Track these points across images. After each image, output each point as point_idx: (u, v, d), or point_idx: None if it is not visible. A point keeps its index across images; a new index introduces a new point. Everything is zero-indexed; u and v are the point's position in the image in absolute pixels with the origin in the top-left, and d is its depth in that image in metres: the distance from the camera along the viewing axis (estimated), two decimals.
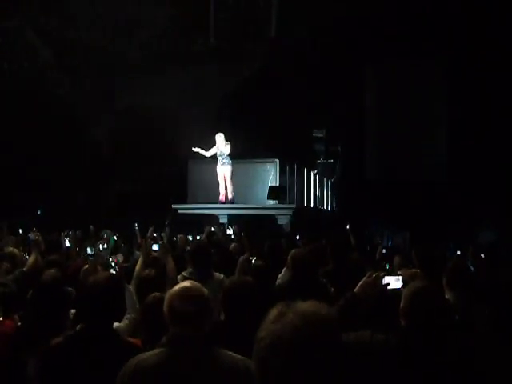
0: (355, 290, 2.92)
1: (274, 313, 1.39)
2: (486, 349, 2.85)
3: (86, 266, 4.93)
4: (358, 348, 2.51)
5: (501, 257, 6.52)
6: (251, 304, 3.22)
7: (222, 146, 12.77)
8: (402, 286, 2.97)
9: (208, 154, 13.01)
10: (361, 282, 2.92)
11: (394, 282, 3.00)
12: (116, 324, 3.71)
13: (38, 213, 15.92)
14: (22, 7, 15.88)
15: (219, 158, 12.87)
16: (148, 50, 16.97)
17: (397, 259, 5.69)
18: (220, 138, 12.83)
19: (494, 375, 2.67)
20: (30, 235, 7.51)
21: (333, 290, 4.44)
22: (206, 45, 17.00)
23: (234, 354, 2.40)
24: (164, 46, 17.06)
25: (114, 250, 6.66)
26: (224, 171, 12.96)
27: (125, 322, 3.78)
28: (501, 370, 2.70)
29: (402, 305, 2.63)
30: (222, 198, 13.21)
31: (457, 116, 16.93)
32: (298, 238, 8.98)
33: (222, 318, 3.26)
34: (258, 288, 4.26)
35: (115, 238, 7.97)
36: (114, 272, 4.51)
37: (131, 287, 4.23)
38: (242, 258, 5.15)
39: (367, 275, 2.96)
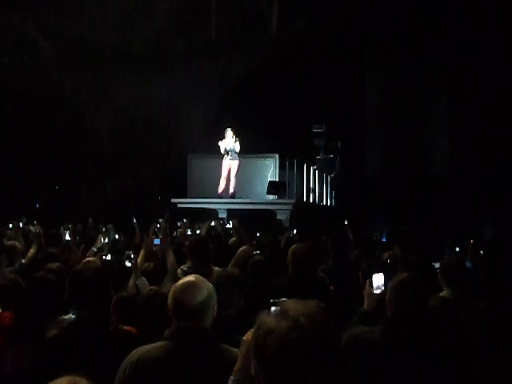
0: (366, 307, 3.07)
1: (271, 317, 1.39)
2: (479, 344, 2.88)
3: (85, 260, 4.95)
4: (349, 341, 2.56)
5: (501, 254, 6.52)
6: (240, 295, 3.28)
7: (231, 141, 12.75)
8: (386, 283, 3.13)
9: (222, 150, 12.91)
10: (368, 298, 3.08)
11: (379, 281, 3.18)
12: None
13: (37, 206, 15.95)
14: (23, 2, 15.84)
15: (229, 153, 12.85)
16: (148, 46, 16.94)
17: (397, 249, 5.72)
18: (230, 133, 12.81)
19: (489, 371, 2.70)
20: (31, 228, 7.52)
21: (332, 287, 4.45)
22: (206, 40, 16.96)
23: (236, 349, 2.41)
24: (165, 42, 17.02)
25: (113, 244, 6.68)
26: (231, 165, 12.96)
27: None
28: (496, 366, 2.72)
29: (387, 296, 2.70)
30: (220, 191, 13.20)
31: (458, 112, 16.92)
32: (294, 232, 8.98)
33: None
34: (253, 283, 4.29)
35: (115, 232, 8.00)
36: (130, 264, 4.54)
37: (144, 279, 4.27)
38: (240, 249, 5.10)
39: (368, 285, 3.12)
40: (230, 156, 12.87)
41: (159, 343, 2.40)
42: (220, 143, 12.80)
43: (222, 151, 12.84)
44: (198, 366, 2.34)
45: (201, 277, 2.57)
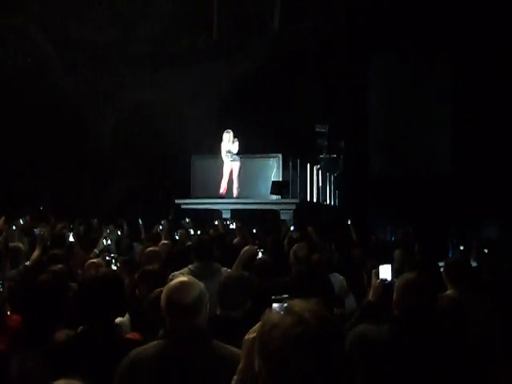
0: (370, 298, 3.07)
1: (276, 313, 1.39)
2: (486, 343, 2.88)
3: (90, 261, 4.97)
4: (355, 339, 2.57)
5: (504, 252, 6.52)
6: (247, 298, 3.28)
7: (229, 143, 12.76)
8: (393, 276, 3.13)
9: (223, 153, 12.88)
10: (373, 289, 3.08)
11: (386, 272, 3.19)
12: (119, 319, 3.72)
13: (41, 208, 15.96)
14: (25, 4, 15.90)
15: (228, 155, 12.86)
16: (151, 47, 16.96)
17: (397, 253, 5.71)
18: (227, 135, 12.78)
19: (497, 371, 2.70)
20: (35, 230, 7.53)
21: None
22: (209, 41, 16.98)
23: (231, 347, 2.42)
24: (167, 42, 17.04)
25: (117, 245, 6.69)
26: (232, 166, 12.96)
27: (127, 316, 3.80)
28: (503, 365, 2.72)
29: (394, 296, 2.71)
30: (223, 191, 13.18)
31: (461, 111, 16.89)
32: (292, 229, 8.97)
33: (218, 312, 3.30)
34: (258, 283, 4.30)
35: (119, 232, 8.01)
36: (115, 267, 4.53)
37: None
38: (244, 249, 5.07)
39: (374, 276, 3.11)
40: (230, 158, 12.88)
41: (154, 342, 2.45)
42: (221, 147, 12.86)
43: (223, 154, 12.86)
44: (192, 363, 2.36)
45: (192, 277, 2.63)
